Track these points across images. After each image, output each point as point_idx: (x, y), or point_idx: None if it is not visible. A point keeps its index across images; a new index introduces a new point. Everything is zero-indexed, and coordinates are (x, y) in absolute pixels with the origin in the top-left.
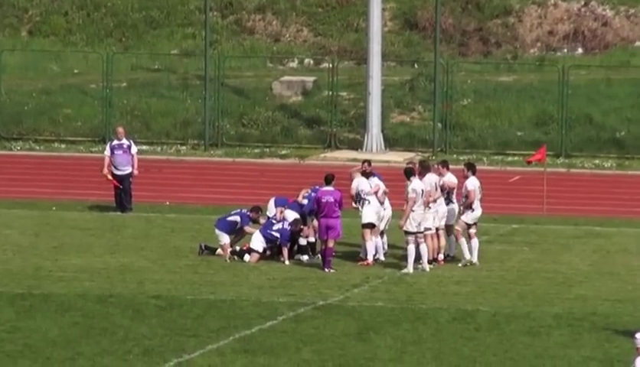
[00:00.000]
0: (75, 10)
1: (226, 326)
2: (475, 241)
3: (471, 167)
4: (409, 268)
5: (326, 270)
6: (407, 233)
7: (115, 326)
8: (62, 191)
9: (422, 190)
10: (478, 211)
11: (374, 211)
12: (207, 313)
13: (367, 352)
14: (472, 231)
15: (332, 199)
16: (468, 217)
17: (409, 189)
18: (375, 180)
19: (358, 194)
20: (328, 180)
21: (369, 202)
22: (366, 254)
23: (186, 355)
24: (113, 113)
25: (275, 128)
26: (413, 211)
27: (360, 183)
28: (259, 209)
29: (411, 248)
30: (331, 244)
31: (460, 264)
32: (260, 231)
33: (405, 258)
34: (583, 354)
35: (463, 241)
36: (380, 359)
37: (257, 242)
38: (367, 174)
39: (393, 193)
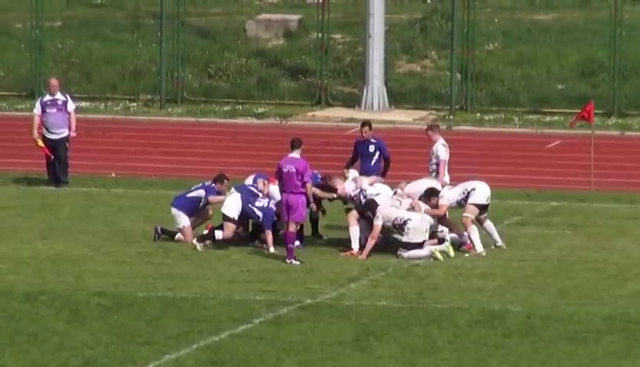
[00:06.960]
0: None
1: (188, 330)
2: (489, 223)
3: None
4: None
5: (287, 261)
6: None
7: (47, 332)
8: None
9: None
10: (481, 187)
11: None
12: (163, 314)
13: (367, 364)
14: (483, 216)
15: (293, 170)
16: (475, 197)
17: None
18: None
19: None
20: (294, 145)
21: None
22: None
23: None
24: (44, 61)
25: (250, 80)
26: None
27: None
28: (224, 179)
29: (474, 228)
30: (292, 228)
31: (467, 255)
32: (241, 197)
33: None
34: None
35: (474, 230)
36: None
37: (232, 207)
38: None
39: (398, 161)
